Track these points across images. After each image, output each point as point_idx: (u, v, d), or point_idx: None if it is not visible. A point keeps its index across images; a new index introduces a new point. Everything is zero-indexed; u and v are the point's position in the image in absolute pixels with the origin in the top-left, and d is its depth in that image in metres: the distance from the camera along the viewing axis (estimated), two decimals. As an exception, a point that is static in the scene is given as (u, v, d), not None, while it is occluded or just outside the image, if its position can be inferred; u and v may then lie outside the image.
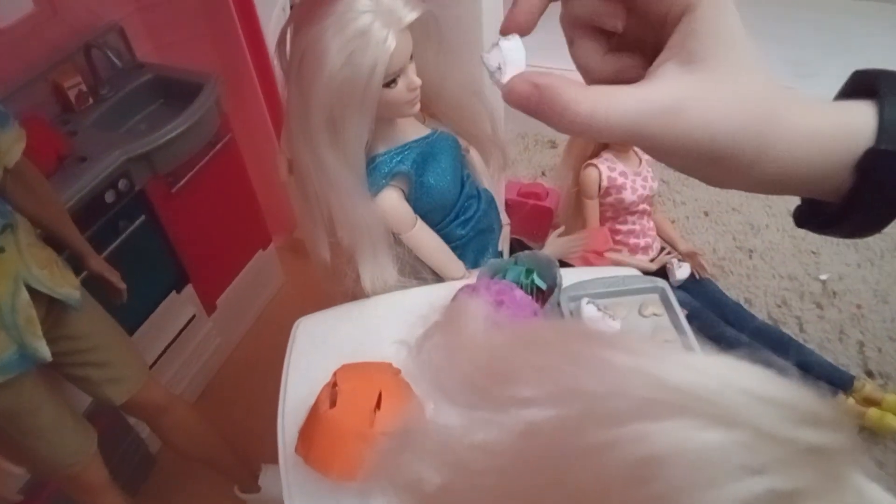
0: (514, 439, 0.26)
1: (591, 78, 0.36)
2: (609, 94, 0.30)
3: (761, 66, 0.31)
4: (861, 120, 0.32)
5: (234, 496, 1.82)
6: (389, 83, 1.04)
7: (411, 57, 1.06)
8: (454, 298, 1.06)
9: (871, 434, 1.83)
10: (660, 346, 0.24)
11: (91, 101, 1.77)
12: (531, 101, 0.30)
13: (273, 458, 1.79)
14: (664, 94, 0.30)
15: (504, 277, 1.15)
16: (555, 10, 0.35)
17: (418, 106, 1.13)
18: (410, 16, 1.00)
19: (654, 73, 0.31)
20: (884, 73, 0.33)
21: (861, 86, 0.34)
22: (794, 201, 0.38)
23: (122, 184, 1.60)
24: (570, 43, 0.36)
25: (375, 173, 1.17)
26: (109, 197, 1.58)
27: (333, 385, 1.00)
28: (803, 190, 0.34)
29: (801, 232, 2.36)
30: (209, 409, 1.80)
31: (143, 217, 1.70)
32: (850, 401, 1.85)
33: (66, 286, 1.20)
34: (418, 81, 1.08)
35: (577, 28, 0.35)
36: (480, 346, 0.31)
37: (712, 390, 0.21)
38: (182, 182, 1.79)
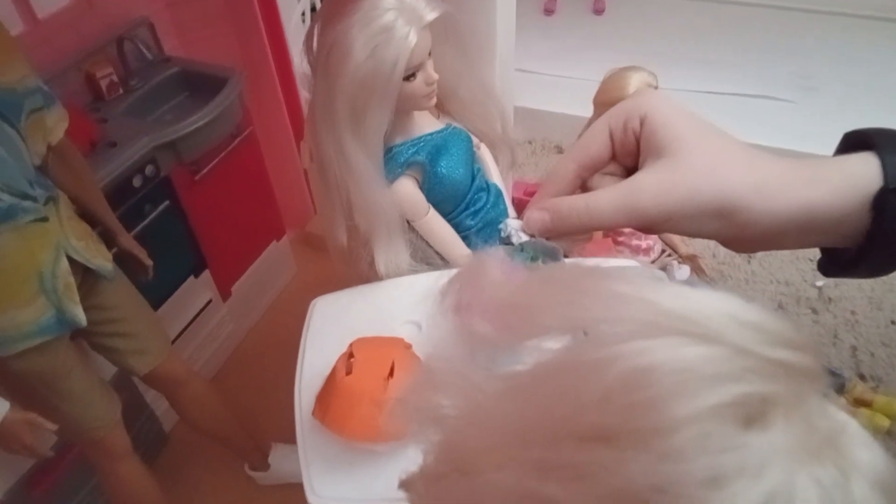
0: (527, 364, 0.29)
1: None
2: (595, 193, 0.44)
3: (721, 153, 0.39)
4: (866, 168, 0.37)
5: (244, 474, 1.88)
6: (409, 77, 1.12)
7: (430, 53, 1.14)
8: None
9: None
10: (657, 279, 0.28)
11: (121, 91, 1.85)
12: (545, 223, 0.45)
13: (282, 439, 1.88)
14: (623, 185, 0.42)
15: (511, 262, 1.22)
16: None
17: (434, 100, 1.20)
18: (431, 15, 1.08)
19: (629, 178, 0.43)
20: (875, 130, 0.39)
21: (854, 143, 0.39)
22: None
23: (148, 169, 1.68)
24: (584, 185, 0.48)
25: (392, 162, 1.24)
26: (137, 181, 1.65)
27: (349, 356, 1.06)
28: (818, 241, 0.40)
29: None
30: (221, 391, 1.87)
31: (167, 202, 1.78)
32: (842, 401, 1.91)
33: (101, 258, 1.28)
34: (435, 76, 1.15)
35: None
36: (501, 286, 0.36)
37: (700, 314, 0.24)
38: (205, 170, 1.87)
